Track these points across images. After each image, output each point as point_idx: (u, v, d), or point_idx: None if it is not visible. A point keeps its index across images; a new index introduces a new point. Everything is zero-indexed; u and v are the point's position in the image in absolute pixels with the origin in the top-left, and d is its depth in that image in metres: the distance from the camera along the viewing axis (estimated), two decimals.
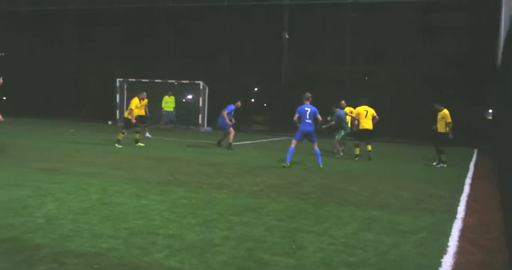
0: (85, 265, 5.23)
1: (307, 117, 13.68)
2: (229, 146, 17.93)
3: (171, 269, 5.27)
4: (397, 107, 25.05)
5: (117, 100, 29.68)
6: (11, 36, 34.82)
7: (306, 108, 13.76)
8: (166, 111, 25.87)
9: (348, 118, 17.42)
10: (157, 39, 30.39)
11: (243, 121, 19.65)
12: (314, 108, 13.78)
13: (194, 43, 28.94)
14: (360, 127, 16.71)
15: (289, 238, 6.51)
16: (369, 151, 16.39)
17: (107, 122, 30.11)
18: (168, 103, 26.03)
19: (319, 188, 10.49)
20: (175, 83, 28.53)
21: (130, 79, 29.57)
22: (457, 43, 25.63)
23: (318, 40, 28.46)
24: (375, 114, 16.77)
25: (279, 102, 27.69)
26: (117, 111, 29.79)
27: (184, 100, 29.91)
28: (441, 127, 15.25)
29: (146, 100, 19.39)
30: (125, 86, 29.99)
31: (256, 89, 31.17)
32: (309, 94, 14.07)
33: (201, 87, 28.11)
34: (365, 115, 16.64)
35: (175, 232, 6.59)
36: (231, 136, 18.04)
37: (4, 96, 35.25)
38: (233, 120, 18.34)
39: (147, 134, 21.23)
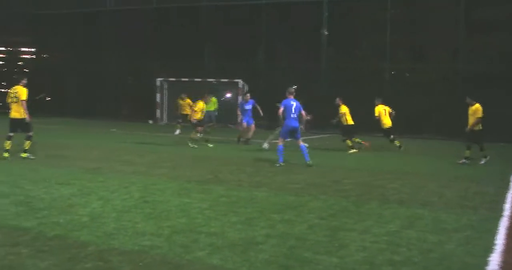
0: (129, 263, 5.31)
1: (293, 111, 13.16)
2: (247, 141, 18.88)
3: (213, 267, 5.30)
4: (439, 104, 24.63)
5: (158, 99, 30.07)
6: (53, 38, 35.65)
7: (292, 102, 13.27)
8: (207, 111, 25.82)
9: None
10: (197, 38, 30.57)
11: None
12: (299, 104, 13.45)
13: (233, 42, 29.02)
14: (384, 126, 17.59)
15: (331, 236, 6.47)
16: (399, 146, 17.40)
17: (148, 122, 30.51)
18: (209, 103, 26.09)
19: (359, 186, 10.39)
20: (214, 82, 28.68)
21: (170, 79, 29.91)
22: (503, 37, 24.85)
23: (358, 37, 28.14)
24: (391, 110, 17.79)
25: (318, 100, 27.53)
26: (158, 111, 30.18)
27: (222, 99, 30.03)
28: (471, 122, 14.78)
29: (188, 100, 20.19)
30: (165, 86, 30.35)
31: (295, 87, 31.08)
32: (292, 89, 13.67)
33: (240, 85, 28.19)
34: (384, 114, 17.54)
35: (217, 230, 6.62)
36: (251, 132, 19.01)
37: (48, 97, 36.12)
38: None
39: (178, 131, 22.34)
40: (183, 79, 28.96)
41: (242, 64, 28.88)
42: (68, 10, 33.83)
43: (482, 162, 14.62)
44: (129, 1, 32.47)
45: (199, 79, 28.45)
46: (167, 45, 31.01)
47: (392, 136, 17.77)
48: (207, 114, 25.99)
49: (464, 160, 14.53)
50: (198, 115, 17.89)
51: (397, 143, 17.54)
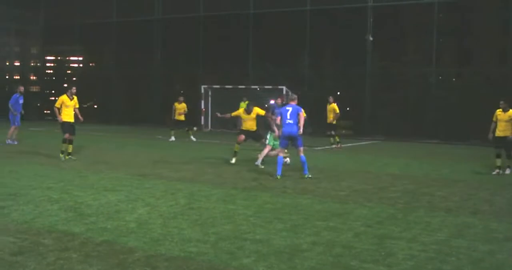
0: (175, 269, 5.36)
1: (288, 117, 11.90)
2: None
3: None
4: (486, 109, 24.05)
5: (202, 106, 30.32)
6: (100, 47, 36.40)
7: (287, 108, 12.10)
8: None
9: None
10: (241, 45, 30.74)
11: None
12: (298, 107, 12.05)
13: (278, 48, 29.05)
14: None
15: (377, 245, 6.38)
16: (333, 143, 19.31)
17: (193, 129, 30.78)
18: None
19: (406, 193, 10.23)
20: (258, 89, 28.71)
21: (214, 86, 30.13)
22: None
23: (404, 42, 27.83)
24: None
25: (363, 106, 27.29)
26: (202, 118, 30.42)
27: (266, 105, 30.04)
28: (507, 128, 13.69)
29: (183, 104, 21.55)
30: (210, 93, 30.58)
31: (338, 93, 30.83)
32: (294, 95, 12.62)
33: (284, 92, 28.15)
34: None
35: (262, 237, 6.62)
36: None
37: (95, 104, 36.92)
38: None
39: (192, 137, 22.35)
40: (227, 86, 29.14)
41: (286, 70, 28.86)
42: (116, 19, 34.52)
43: (507, 172, 13.60)
44: (177, 9, 32.82)
45: (243, 86, 28.55)
46: (212, 53, 31.28)
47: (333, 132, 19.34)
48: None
49: (497, 170, 13.48)
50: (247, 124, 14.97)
51: (337, 138, 19.35)
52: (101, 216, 7.57)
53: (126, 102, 34.36)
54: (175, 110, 22.61)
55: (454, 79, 27.19)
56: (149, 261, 5.58)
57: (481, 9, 25.49)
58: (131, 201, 8.71)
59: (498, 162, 13.52)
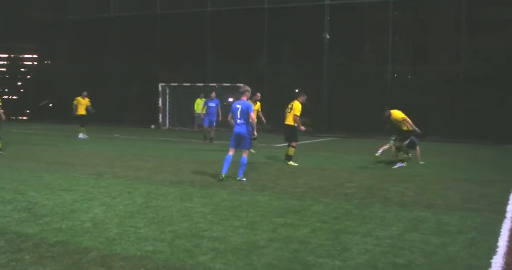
0: (131, 268, 5.32)
1: (238, 116, 11.20)
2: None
3: None
4: (441, 106, 24.67)
5: (160, 104, 30.15)
6: (56, 45, 35.78)
7: (237, 105, 11.28)
8: (199, 114, 25.49)
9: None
10: (199, 42, 30.66)
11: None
12: (247, 105, 11.21)
13: (235, 46, 29.10)
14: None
15: (333, 240, 6.47)
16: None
17: (150, 127, 30.59)
18: (200, 105, 25.94)
19: (362, 189, 10.39)
20: (216, 86, 28.64)
21: (172, 84, 29.98)
22: (505, 38, 24.70)
23: (361, 40, 28.23)
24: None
25: (321, 103, 27.56)
26: (160, 116, 30.26)
27: (225, 103, 30.01)
28: None
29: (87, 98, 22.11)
30: (167, 91, 30.44)
31: (296, 90, 31.03)
32: (245, 88, 11.60)
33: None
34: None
35: (220, 234, 6.63)
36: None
37: (50, 103, 36.24)
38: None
39: (81, 135, 22.08)
40: (184, 84, 29.05)
41: (245, 68, 28.93)
42: (72, 16, 33.96)
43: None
44: (134, 6, 32.46)
45: (201, 84, 28.50)
46: (170, 51, 31.11)
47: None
48: (200, 117, 25.79)
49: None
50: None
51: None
52: (55, 216, 7.44)
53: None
54: (77, 105, 22.39)
55: (409, 77, 27.70)
56: (105, 260, 5.52)
57: (435, 7, 26.03)
58: (86, 201, 8.59)
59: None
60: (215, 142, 20.52)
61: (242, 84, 11.70)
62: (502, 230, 7.15)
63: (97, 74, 33.26)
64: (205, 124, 20.67)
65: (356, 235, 6.74)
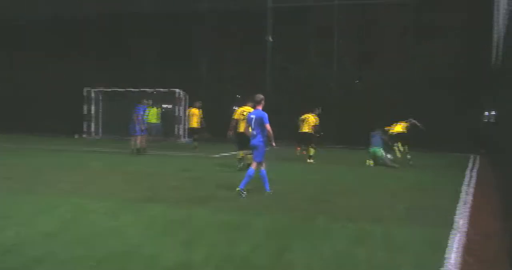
0: None
1: (252, 127, 11.47)
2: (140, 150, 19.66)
3: None
4: (388, 111, 25.14)
5: (85, 111, 29.45)
6: None
7: (251, 116, 11.63)
8: (153, 123, 25.14)
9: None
10: (132, 46, 30.27)
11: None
12: (261, 115, 11.32)
13: (171, 50, 28.93)
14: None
15: (276, 257, 6.44)
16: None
17: (73, 136, 29.82)
18: (154, 115, 25.61)
19: (306, 201, 10.44)
20: (154, 92, 28.24)
21: (100, 89, 29.38)
22: (451, 43, 25.58)
23: (305, 43, 28.51)
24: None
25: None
26: (84, 124, 29.56)
27: (162, 110, 29.73)
28: None
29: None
30: (93, 96, 29.83)
31: (239, 96, 31.02)
32: (260, 97, 11.64)
33: (179, 95, 28.04)
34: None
35: (153, 252, 6.50)
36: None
37: None
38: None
39: None
40: (116, 89, 28.57)
41: (182, 73, 28.73)
42: None
43: None
44: (65, 5, 31.60)
45: (136, 89, 28.12)
46: (103, 53, 30.49)
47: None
48: (154, 126, 25.44)
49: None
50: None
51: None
52: None
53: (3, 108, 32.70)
54: None
55: (357, 81, 28.13)
56: None
57: (382, 10, 26.59)
58: (1, 219, 8.23)
59: None
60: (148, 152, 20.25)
61: (257, 94, 11.72)
62: (450, 242, 7.30)
63: (23, 79, 32.21)
64: (137, 134, 20.00)
65: (300, 251, 6.73)
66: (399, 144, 19.20)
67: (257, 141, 11.30)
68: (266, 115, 11.26)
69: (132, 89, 27.96)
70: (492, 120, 22.93)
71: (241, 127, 14.77)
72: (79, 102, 29.60)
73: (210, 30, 28.91)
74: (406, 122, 18.91)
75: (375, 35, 26.88)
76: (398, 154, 19.13)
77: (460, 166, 18.00)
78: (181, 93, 28.17)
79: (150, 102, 21.95)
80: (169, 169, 15.82)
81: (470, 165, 18.50)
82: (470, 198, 11.16)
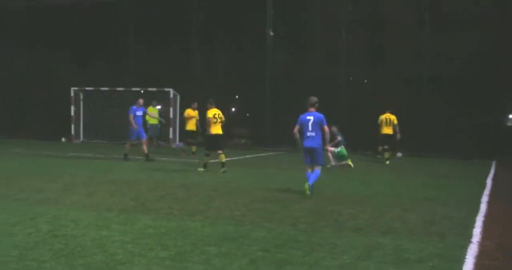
0: None
1: (310, 128, 12.24)
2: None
3: None
4: (401, 111, 25.15)
5: (72, 113, 29.53)
6: None
7: (308, 117, 12.35)
8: (151, 125, 25.20)
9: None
10: (119, 42, 30.37)
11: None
12: (320, 117, 12.30)
13: (162, 46, 29.03)
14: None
15: None
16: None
17: (61, 140, 29.98)
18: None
19: (311, 212, 10.51)
20: (142, 91, 28.29)
21: (87, 88, 29.46)
22: (472, 37, 25.25)
23: (310, 38, 28.43)
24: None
25: (263, 111, 27.62)
26: (72, 126, 29.62)
27: (160, 110, 29.74)
28: None
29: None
30: (81, 97, 29.94)
31: (237, 96, 31.03)
32: (315, 99, 12.57)
33: (171, 95, 28.10)
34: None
35: (142, 267, 6.58)
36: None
37: None
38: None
39: None
40: (102, 88, 28.67)
41: (174, 71, 28.77)
42: None
43: None
44: None
45: (122, 89, 28.22)
46: (85, 50, 30.56)
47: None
48: (152, 128, 25.52)
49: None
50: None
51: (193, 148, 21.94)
52: None
53: None
54: None
55: (366, 81, 28.04)
56: None
57: (396, 2, 26.45)
58: None
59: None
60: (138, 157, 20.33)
61: (312, 96, 12.66)
62: (467, 256, 7.38)
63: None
64: (133, 138, 20.02)
65: (302, 265, 6.81)
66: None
67: (315, 143, 12.28)
68: (324, 117, 12.33)
69: (118, 89, 28.08)
70: None
71: (213, 129, 16.75)
72: (66, 103, 29.66)
73: (205, 21, 28.94)
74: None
75: (387, 28, 26.72)
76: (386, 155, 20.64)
77: (480, 173, 18.05)
78: (172, 92, 28.21)
79: (141, 101, 21.95)
80: (158, 176, 15.89)
81: (491, 173, 18.52)
82: (487, 208, 11.25)
